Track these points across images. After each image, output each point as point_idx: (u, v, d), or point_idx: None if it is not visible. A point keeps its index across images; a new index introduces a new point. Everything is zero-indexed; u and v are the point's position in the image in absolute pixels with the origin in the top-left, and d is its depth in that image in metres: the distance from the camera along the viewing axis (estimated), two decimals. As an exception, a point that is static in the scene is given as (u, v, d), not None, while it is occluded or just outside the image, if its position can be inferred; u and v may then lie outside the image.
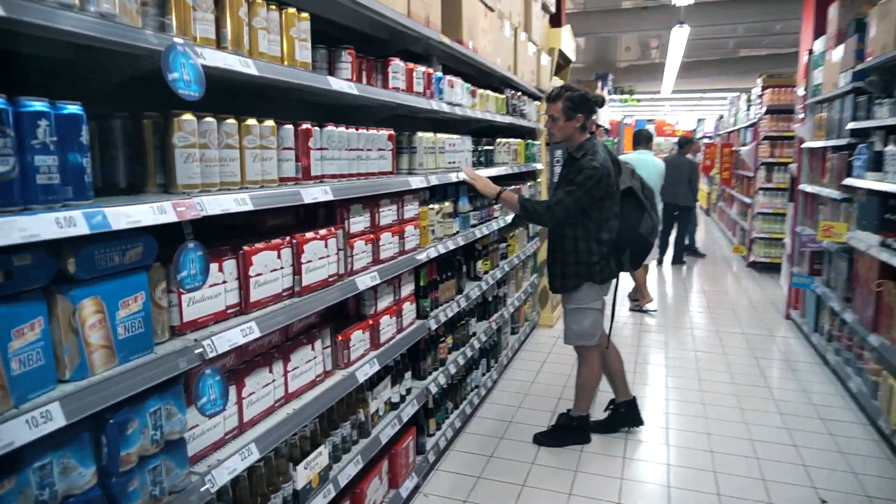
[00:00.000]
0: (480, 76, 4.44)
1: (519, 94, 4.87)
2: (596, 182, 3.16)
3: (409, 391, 3.05)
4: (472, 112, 3.65)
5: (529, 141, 5.46)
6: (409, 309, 2.97)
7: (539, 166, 5.70)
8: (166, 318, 1.56)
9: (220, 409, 1.56)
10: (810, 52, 6.12)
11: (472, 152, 3.89)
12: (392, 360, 2.82)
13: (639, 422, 3.84)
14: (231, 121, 1.73)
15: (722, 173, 12.53)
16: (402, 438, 2.95)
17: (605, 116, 11.83)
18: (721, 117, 16.89)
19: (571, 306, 3.44)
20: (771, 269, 9.03)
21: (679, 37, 9.29)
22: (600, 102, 3.37)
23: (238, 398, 1.84)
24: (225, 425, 1.79)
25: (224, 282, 1.75)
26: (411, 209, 2.92)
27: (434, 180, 3.07)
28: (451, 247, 3.39)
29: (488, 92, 4.03)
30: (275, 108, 2.68)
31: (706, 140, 21.24)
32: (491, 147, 4.27)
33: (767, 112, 8.94)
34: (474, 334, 4.04)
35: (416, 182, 2.87)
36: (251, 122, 1.81)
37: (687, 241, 10.23)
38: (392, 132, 2.69)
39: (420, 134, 3.01)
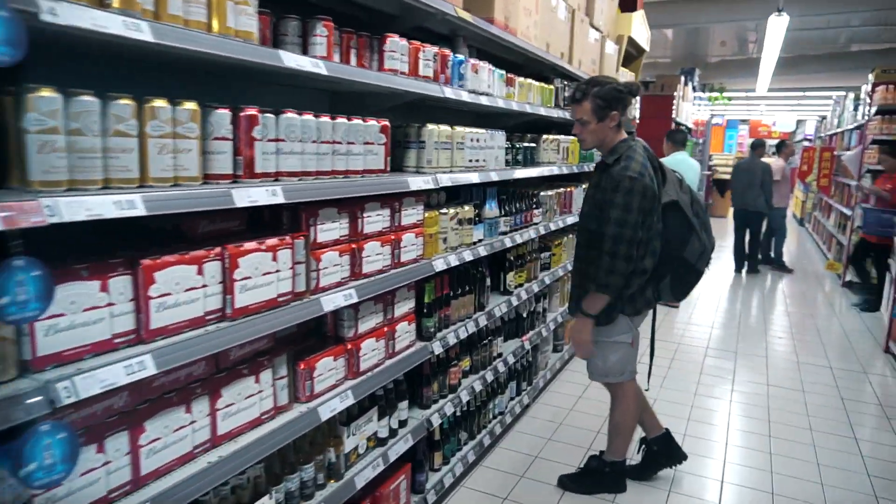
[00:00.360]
0: (528, 64, 3.95)
1: (572, 84, 4.32)
2: (641, 194, 2.58)
3: (403, 423, 2.63)
4: (507, 103, 3.17)
5: (587, 138, 4.89)
6: (405, 330, 2.55)
7: (598, 167, 5.12)
8: (12, 351, 1.22)
9: (59, 478, 1.20)
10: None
11: (507, 150, 3.41)
12: (380, 388, 2.42)
13: (680, 456, 3.26)
14: (124, 101, 1.37)
15: (820, 180, 11.30)
16: (391, 478, 2.54)
17: (690, 115, 10.91)
18: (823, 118, 15.38)
19: (597, 339, 2.91)
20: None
21: (777, 27, 8.33)
22: (635, 91, 2.79)
23: (132, 447, 1.49)
24: (108, 481, 1.43)
25: (109, 304, 1.39)
26: (412, 214, 2.49)
27: (446, 181, 2.63)
28: (470, 258, 2.94)
29: (531, 81, 3.53)
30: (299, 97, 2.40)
31: (806, 143, 19.50)
32: (532, 144, 3.77)
33: (878, 112, 7.85)
34: (500, 355, 3.56)
35: (419, 183, 2.44)
36: (159, 104, 1.44)
37: (772, 253, 9.29)
38: (387, 123, 2.27)
39: (430, 126, 2.58)
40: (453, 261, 2.80)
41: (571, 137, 4.43)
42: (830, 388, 4.74)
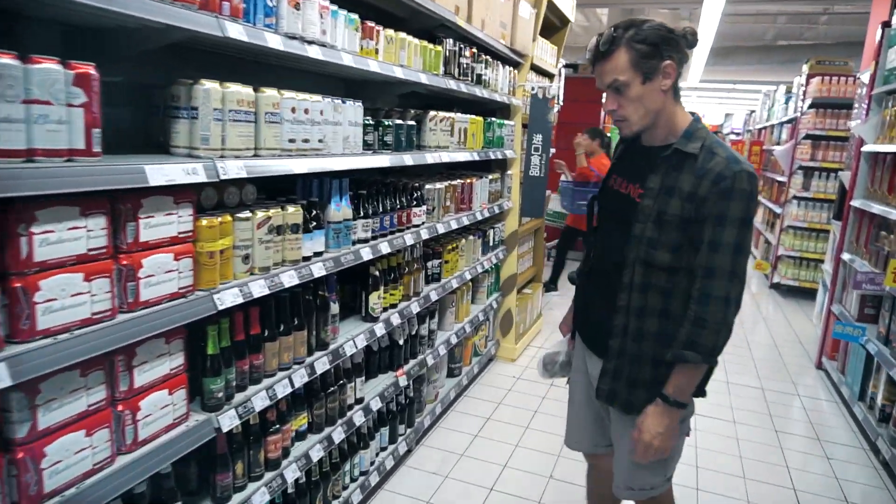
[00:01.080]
0: (414, 18, 3.04)
1: (474, 50, 3.44)
2: (755, 202, 1.66)
3: (167, 542, 1.72)
4: (359, 61, 2.25)
5: (496, 120, 4.05)
6: (165, 402, 1.62)
7: (510, 154, 4.30)
8: None
9: None
10: (886, 24, 4.61)
11: (369, 128, 2.50)
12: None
13: None
14: None
15: (749, 174, 10.95)
16: None
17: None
18: (752, 112, 15.24)
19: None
20: (800, 294, 7.58)
21: (712, 7, 7.76)
22: (691, 39, 1.67)
23: None
24: None
25: None
26: (166, 223, 1.56)
27: (236, 170, 1.70)
28: (293, 281, 2.03)
29: (404, 36, 2.62)
30: None
31: (733, 137, 19.48)
32: (412, 123, 2.87)
33: (812, 105, 7.39)
34: (360, 401, 2.69)
35: (176, 174, 1.51)
36: None
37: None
38: (88, 69, 1.31)
39: (207, 84, 1.64)
40: (259, 289, 1.88)
41: (470, 117, 3.57)
42: (761, 417, 4.13)
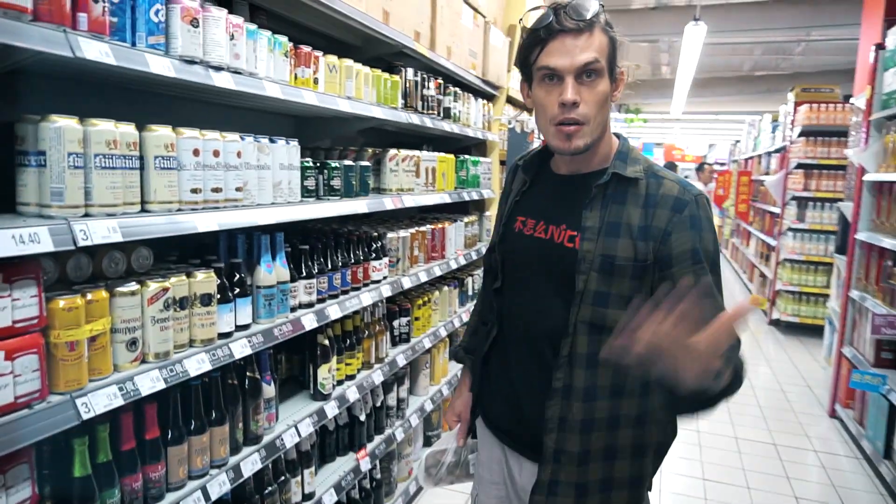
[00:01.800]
0: (368, 47, 2.68)
1: (440, 81, 3.09)
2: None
3: None
4: (288, 92, 1.86)
5: (470, 157, 3.68)
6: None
7: (488, 194, 3.92)
8: None
9: None
10: (879, 47, 4.34)
11: (307, 171, 2.10)
12: None
13: None
14: None
15: (738, 205, 10.72)
16: None
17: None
18: (737, 142, 15.13)
19: None
20: (801, 331, 7.18)
21: (693, 37, 7.57)
22: None
23: None
24: None
25: None
26: (-8, 311, 1.13)
27: (106, 232, 1.28)
28: (203, 367, 1.60)
29: (352, 64, 2.25)
30: None
31: (717, 167, 19.41)
32: (366, 163, 2.48)
33: (802, 134, 7.14)
34: (310, 497, 2.22)
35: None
36: None
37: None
38: None
39: (59, 121, 1.23)
40: (151, 383, 1.44)
41: (440, 155, 3.19)
42: (775, 479, 3.68)
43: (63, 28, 1.18)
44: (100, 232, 1.28)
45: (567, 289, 1.29)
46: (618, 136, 1.39)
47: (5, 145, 1.29)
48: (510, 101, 4.35)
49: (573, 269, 1.28)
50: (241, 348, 1.74)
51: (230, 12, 1.85)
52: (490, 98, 4.04)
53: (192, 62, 1.48)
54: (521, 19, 1.39)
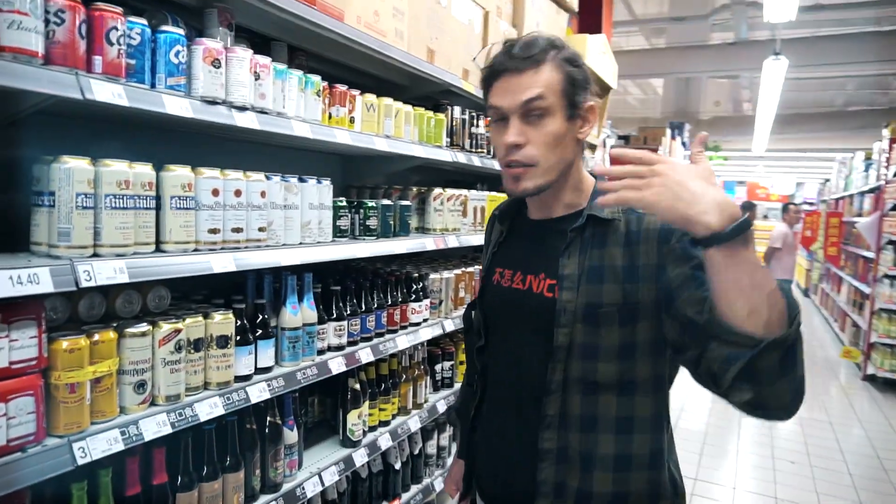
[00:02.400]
0: (416, 85, 2.66)
1: (489, 119, 3.02)
2: None
3: None
4: (321, 132, 1.84)
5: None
6: None
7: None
8: None
9: None
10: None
11: (339, 210, 2.07)
12: None
13: None
14: None
15: (827, 248, 9.98)
16: None
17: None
18: (827, 181, 14.23)
19: None
20: (901, 389, 6.50)
21: (774, 73, 7.21)
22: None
23: None
24: None
25: None
26: (-14, 352, 1.12)
27: (110, 273, 1.27)
28: (216, 411, 1.55)
29: (389, 102, 2.21)
30: None
31: (806, 207, 18.28)
32: (406, 202, 2.43)
33: (898, 173, 6.59)
34: (333, 551, 2.12)
35: (-3, 283, 1.08)
36: None
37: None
38: None
39: (69, 162, 1.23)
40: (157, 428, 1.40)
41: (490, 194, 3.10)
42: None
43: (75, 71, 1.19)
44: (105, 273, 1.26)
45: (549, 343, 1.18)
46: (595, 175, 1.28)
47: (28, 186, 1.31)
48: (570, 139, 4.23)
49: (554, 322, 1.17)
50: (258, 392, 1.68)
51: (268, 53, 1.88)
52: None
53: (213, 102, 1.48)
54: (474, 58, 1.35)
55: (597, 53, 4.27)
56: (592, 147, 4.75)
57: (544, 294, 1.20)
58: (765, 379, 0.89)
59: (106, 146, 1.59)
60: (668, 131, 8.59)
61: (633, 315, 1.13)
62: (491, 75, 1.18)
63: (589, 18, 4.77)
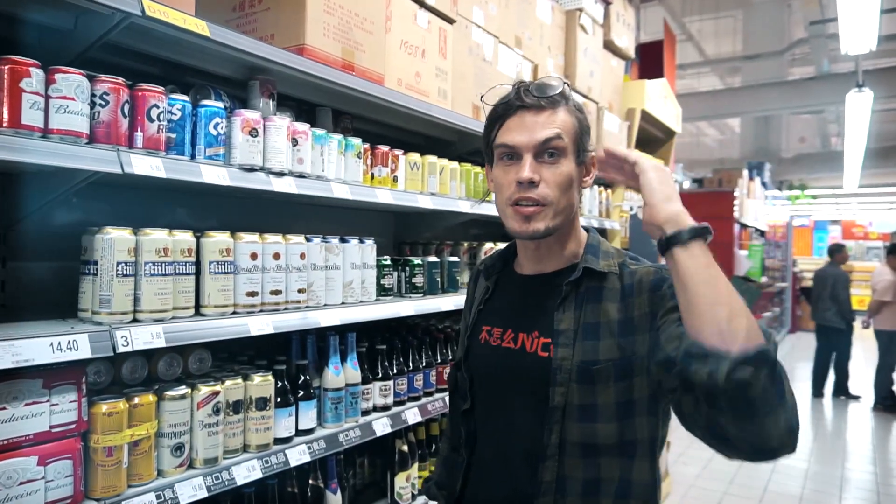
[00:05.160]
0: (461, 141, 2.69)
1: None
2: None
3: None
4: (360, 192, 1.87)
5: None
6: None
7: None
8: None
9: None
10: None
11: (383, 269, 2.07)
12: None
13: None
14: None
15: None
16: None
17: (761, 215, 9.24)
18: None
19: None
20: None
21: (858, 105, 6.80)
22: None
23: None
24: None
25: None
26: (27, 416, 1.17)
27: (147, 338, 1.31)
28: (254, 475, 1.55)
29: (433, 160, 2.23)
30: None
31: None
32: (451, 259, 2.41)
33: None
34: None
35: (32, 352, 1.14)
36: None
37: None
38: None
39: (111, 233, 1.30)
40: (193, 492, 1.41)
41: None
42: None
43: (116, 148, 1.27)
44: (142, 338, 1.30)
45: (543, 405, 1.10)
46: (587, 229, 1.23)
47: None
48: (632, 186, 4.12)
49: (549, 381, 1.10)
50: (298, 455, 1.67)
51: (314, 118, 1.95)
52: (608, 185, 3.86)
53: (251, 170, 1.54)
54: (482, 96, 1.28)
55: (657, 98, 4.19)
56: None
57: (538, 354, 1.13)
58: (759, 405, 0.85)
59: (155, 213, 1.68)
60: (746, 172, 8.26)
61: (628, 370, 1.07)
62: (505, 112, 1.14)
63: (650, 63, 4.72)
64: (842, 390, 7.31)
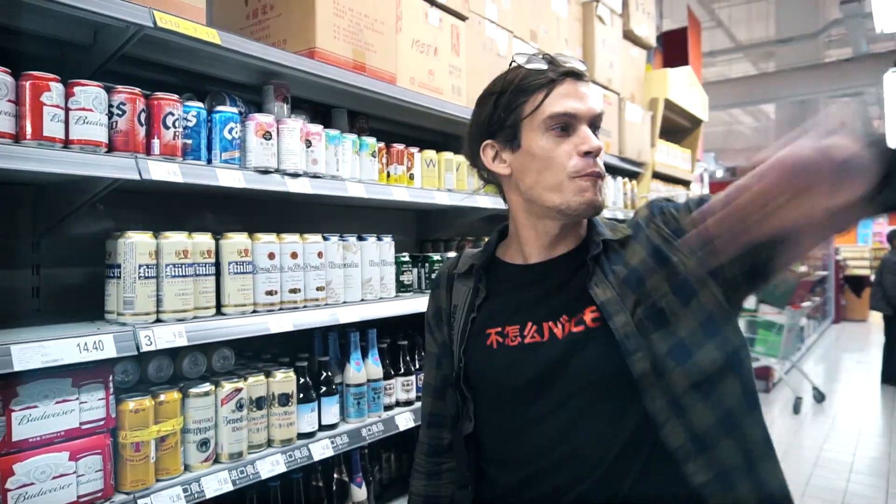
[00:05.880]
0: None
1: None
2: None
3: None
4: (374, 190, 1.90)
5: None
6: None
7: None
8: None
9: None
10: None
11: (402, 265, 2.10)
12: None
13: None
14: None
15: None
16: None
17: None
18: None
19: None
20: None
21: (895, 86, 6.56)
22: None
23: None
24: None
25: None
26: (58, 414, 1.23)
27: (170, 338, 1.36)
28: (278, 468, 1.59)
29: (450, 157, 2.25)
30: None
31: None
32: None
33: None
34: None
35: (60, 351, 1.20)
36: None
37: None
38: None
39: (133, 237, 1.36)
40: (218, 485, 1.46)
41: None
42: None
43: (134, 155, 1.32)
44: (165, 337, 1.35)
45: (620, 381, 0.96)
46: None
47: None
48: (659, 176, 4.07)
49: (609, 357, 0.97)
50: (321, 449, 1.71)
51: (329, 120, 1.99)
52: (633, 176, 3.81)
53: (265, 172, 1.58)
54: (512, 64, 1.09)
55: (681, 87, 4.13)
56: (687, 183, 4.53)
57: (573, 331, 1.01)
58: None
59: (176, 218, 1.74)
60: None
61: (688, 288, 0.98)
62: (553, 79, 1.02)
63: (674, 52, 4.64)
64: (890, 378, 7.06)
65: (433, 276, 2.18)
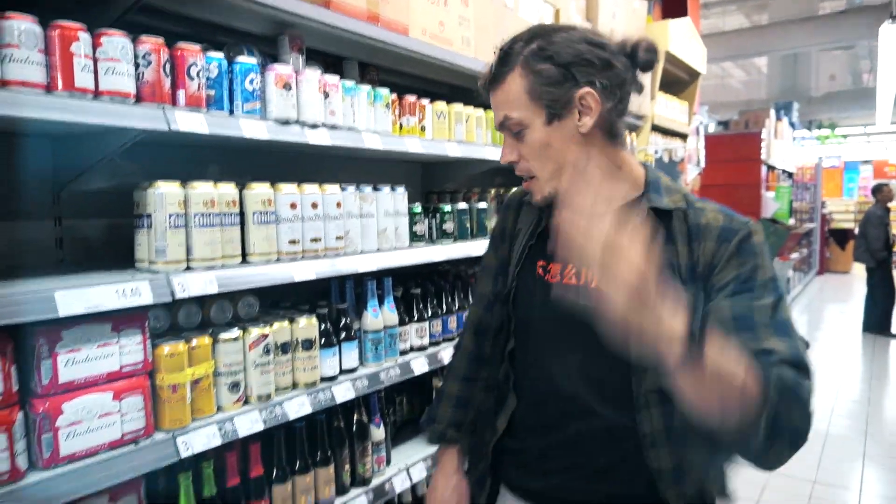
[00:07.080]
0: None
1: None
2: None
3: None
4: (390, 142, 1.92)
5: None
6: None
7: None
8: None
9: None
10: None
11: (415, 216, 2.14)
12: None
13: None
14: None
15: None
16: None
17: (788, 157, 9.06)
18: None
19: None
20: None
21: (892, 39, 6.56)
22: (643, 57, 1.09)
23: None
24: None
25: None
26: (99, 357, 1.28)
27: (202, 285, 1.41)
28: (304, 410, 1.67)
29: (460, 109, 2.27)
30: None
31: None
32: (481, 206, 2.47)
33: None
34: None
35: (99, 298, 1.24)
36: None
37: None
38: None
39: (162, 187, 1.39)
40: (250, 425, 1.53)
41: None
42: None
43: (162, 106, 1.34)
44: (197, 285, 1.40)
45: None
46: (645, 165, 1.16)
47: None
48: (657, 129, 4.10)
49: None
50: (344, 392, 1.78)
51: (341, 71, 1.99)
52: (632, 129, 3.84)
53: (286, 123, 1.60)
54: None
55: (681, 39, 4.12)
56: (684, 136, 4.57)
57: None
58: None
59: (195, 172, 1.76)
60: (773, 112, 8.07)
61: (692, 308, 0.97)
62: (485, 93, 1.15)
63: (672, 3, 4.60)
64: (871, 327, 7.29)
65: (444, 226, 2.24)
